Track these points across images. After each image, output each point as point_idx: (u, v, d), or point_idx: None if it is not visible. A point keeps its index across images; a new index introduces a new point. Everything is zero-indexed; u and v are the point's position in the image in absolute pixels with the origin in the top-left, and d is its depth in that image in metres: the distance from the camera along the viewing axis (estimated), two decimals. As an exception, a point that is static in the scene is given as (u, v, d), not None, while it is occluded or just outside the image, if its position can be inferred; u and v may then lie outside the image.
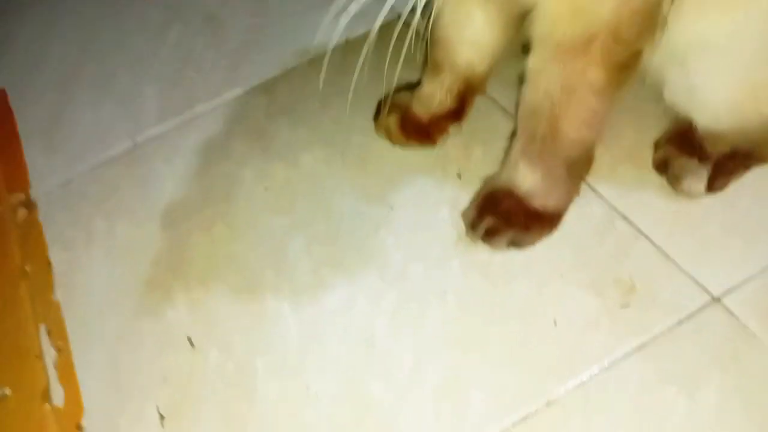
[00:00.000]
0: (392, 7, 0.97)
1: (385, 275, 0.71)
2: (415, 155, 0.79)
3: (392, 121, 0.79)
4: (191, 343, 0.71)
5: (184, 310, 0.73)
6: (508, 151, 0.71)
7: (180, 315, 0.73)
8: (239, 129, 0.87)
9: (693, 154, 0.69)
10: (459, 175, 0.77)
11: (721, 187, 0.70)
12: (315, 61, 0.91)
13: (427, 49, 0.76)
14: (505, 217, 0.69)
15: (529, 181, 0.68)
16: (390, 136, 0.80)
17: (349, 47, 0.92)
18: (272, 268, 0.74)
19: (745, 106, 0.62)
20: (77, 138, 0.91)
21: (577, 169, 0.67)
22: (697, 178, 0.69)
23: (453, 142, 0.79)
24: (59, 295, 0.76)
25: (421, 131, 0.78)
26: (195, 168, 0.85)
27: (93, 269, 0.78)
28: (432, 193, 0.76)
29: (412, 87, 0.80)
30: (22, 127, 0.94)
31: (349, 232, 0.75)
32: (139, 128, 0.90)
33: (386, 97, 0.81)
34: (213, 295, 0.74)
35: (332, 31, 0.96)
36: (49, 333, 0.74)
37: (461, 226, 0.73)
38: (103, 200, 0.84)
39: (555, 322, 0.66)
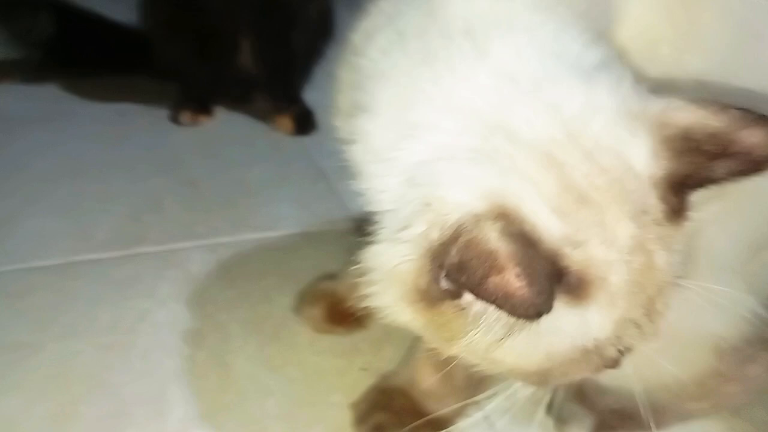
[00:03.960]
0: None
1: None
2: (328, 339, 0.79)
3: (318, 311, 0.80)
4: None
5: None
6: (411, 351, 0.70)
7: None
8: (172, 274, 0.88)
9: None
10: (364, 369, 0.75)
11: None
12: (265, 241, 0.95)
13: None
14: (397, 415, 0.67)
15: (429, 381, 0.66)
16: (316, 326, 0.79)
17: (304, 236, 0.97)
18: (145, 407, 0.70)
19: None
20: (12, 242, 0.92)
21: (475, 381, 0.66)
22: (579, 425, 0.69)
23: (363, 337, 0.79)
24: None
25: (349, 316, 0.77)
26: (115, 296, 0.84)
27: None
28: (330, 377, 0.74)
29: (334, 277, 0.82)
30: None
31: (237, 394, 0.72)
32: (79, 249, 0.91)
33: (309, 289, 0.83)
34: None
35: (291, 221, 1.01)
36: None
37: (350, 415, 0.70)
38: (17, 299, 0.82)
39: None
